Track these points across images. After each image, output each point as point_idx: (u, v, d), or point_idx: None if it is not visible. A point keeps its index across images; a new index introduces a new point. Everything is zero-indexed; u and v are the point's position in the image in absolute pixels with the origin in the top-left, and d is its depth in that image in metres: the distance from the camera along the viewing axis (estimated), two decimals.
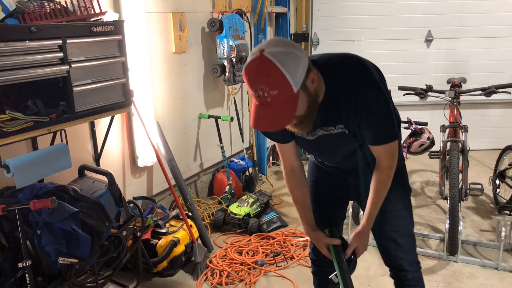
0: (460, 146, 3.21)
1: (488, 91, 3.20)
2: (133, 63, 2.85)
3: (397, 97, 4.55)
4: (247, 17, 4.05)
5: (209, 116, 3.77)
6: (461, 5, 5.10)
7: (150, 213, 2.97)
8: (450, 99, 3.34)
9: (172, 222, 3.04)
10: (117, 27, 2.41)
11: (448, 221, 2.94)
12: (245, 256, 3.08)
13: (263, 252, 3.14)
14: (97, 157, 2.79)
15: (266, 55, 1.29)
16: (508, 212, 3.66)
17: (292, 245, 3.24)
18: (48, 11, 2.17)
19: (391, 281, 2.79)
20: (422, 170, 4.86)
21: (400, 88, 3.49)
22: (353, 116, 1.52)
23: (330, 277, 1.81)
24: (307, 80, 1.37)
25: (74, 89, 2.21)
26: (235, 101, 4.13)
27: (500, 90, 3.19)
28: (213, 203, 3.85)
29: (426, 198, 4.14)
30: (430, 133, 3.32)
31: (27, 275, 1.91)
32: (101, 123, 2.79)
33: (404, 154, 3.28)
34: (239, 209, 3.52)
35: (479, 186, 3.60)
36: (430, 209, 3.89)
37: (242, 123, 4.23)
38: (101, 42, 2.36)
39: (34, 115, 2.04)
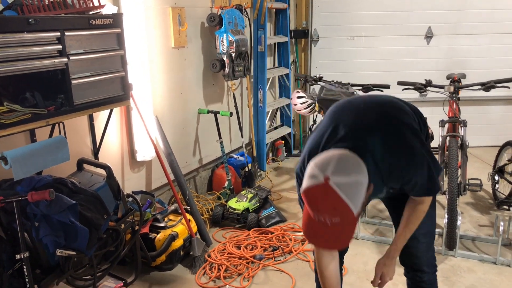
0: (459, 141, 3.21)
1: (487, 86, 3.20)
2: (132, 57, 2.85)
3: (397, 93, 4.59)
4: (246, 12, 4.05)
5: (208, 111, 3.76)
6: (462, 1, 5.09)
7: (148, 207, 2.97)
8: (449, 93, 3.34)
9: (171, 217, 3.04)
10: (116, 20, 2.41)
11: (446, 216, 2.94)
12: (243, 251, 3.08)
13: (261, 247, 3.14)
14: (95, 150, 2.79)
15: (332, 185, 1.28)
16: (506, 207, 3.66)
17: (290, 239, 3.25)
18: (47, 3, 2.17)
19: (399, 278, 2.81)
20: None
21: (399, 83, 3.49)
22: (399, 186, 1.58)
23: None
24: (365, 196, 1.38)
25: (73, 81, 2.21)
26: (234, 97, 4.13)
27: (500, 85, 3.18)
28: (212, 199, 3.85)
29: None
30: (429, 128, 3.31)
31: (24, 267, 1.91)
32: (100, 117, 2.80)
33: None
34: (238, 204, 3.52)
35: (478, 182, 3.59)
36: None
37: (241, 119, 4.23)
38: (100, 35, 2.35)
39: (32, 107, 2.04)
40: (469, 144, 3.41)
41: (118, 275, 2.68)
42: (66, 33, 2.13)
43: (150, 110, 3.14)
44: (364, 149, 1.44)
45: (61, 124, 2.41)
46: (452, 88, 3.30)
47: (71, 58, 2.17)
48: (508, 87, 3.20)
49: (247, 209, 3.52)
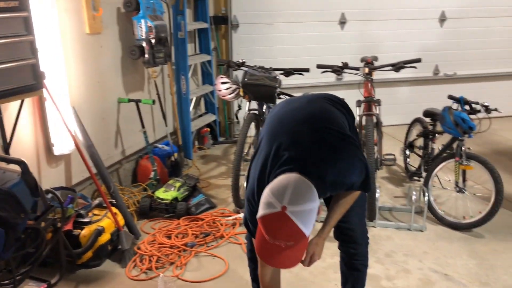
0: (375, 119, 3.43)
1: (397, 67, 3.44)
2: (43, 44, 2.65)
3: (315, 78, 4.80)
4: None
5: (129, 100, 3.63)
6: None
7: (70, 203, 2.81)
8: (364, 75, 3.54)
9: (95, 211, 2.91)
10: (22, 3, 2.24)
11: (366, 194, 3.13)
12: (174, 240, 3.05)
13: (192, 234, 3.13)
14: (5, 146, 2.57)
15: (288, 214, 1.36)
16: (417, 179, 3.99)
17: (221, 224, 3.27)
18: None
19: (327, 251, 2.94)
20: None
21: (318, 66, 3.63)
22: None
23: None
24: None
25: None
26: (156, 85, 4.02)
27: (408, 65, 3.44)
28: (137, 191, 3.74)
29: None
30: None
31: None
32: (10, 109, 2.57)
33: None
34: (166, 194, 3.46)
35: (392, 157, 3.89)
36: None
37: (164, 107, 4.14)
38: (4, 19, 2.16)
39: None
40: (382, 122, 3.66)
41: (40, 277, 2.52)
42: None
43: (66, 100, 2.96)
44: (309, 169, 1.52)
45: None
46: (366, 70, 3.50)
47: None
48: (415, 67, 3.46)
49: (175, 199, 3.47)
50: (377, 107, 3.51)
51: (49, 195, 2.49)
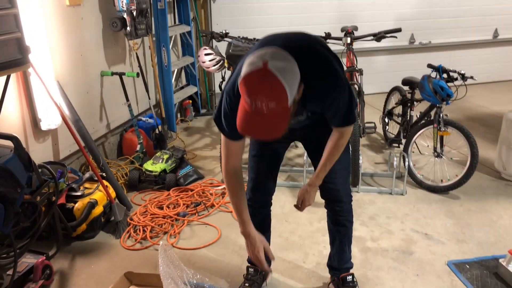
0: (357, 88, 3.52)
1: (378, 36, 3.52)
2: (24, 17, 2.58)
3: None
4: None
5: (113, 73, 3.59)
6: None
7: (61, 177, 2.82)
8: (346, 44, 3.61)
9: (87, 185, 2.94)
10: None
11: (350, 157, 3.26)
12: (166, 210, 3.11)
13: (184, 204, 3.20)
14: None
15: (270, 69, 1.33)
16: (396, 145, 4.15)
17: (211, 194, 3.35)
18: None
19: (304, 215, 3.08)
20: None
21: None
22: (319, 110, 1.69)
23: None
24: (297, 94, 1.44)
25: None
26: (137, 57, 3.97)
27: (389, 35, 3.52)
28: (125, 164, 3.76)
29: None
30: None
31: None
32: None
33: None
34: (154, 166, 3.50)
35: (373, 125, 4.01)
36: None
37: (146, 80, 4.11)
38: None
39: None
40: (364, 92, 3.76)
41: (37, 250, 2.56)
42: None
43: (51, 75, 2.92)
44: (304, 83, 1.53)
45: None
46: (349, 40, 3.57)
47: None
48: (396, 37, 3.55)
49: (164, 170, 3.52)
50: (359, 77, 3.60)
51: (41, 169, 2.50)
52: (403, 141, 3.88)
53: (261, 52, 1.40)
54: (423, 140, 3.65)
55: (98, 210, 2.84)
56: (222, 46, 3.92)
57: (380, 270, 2.50)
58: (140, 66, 3.99)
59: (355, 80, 3.55)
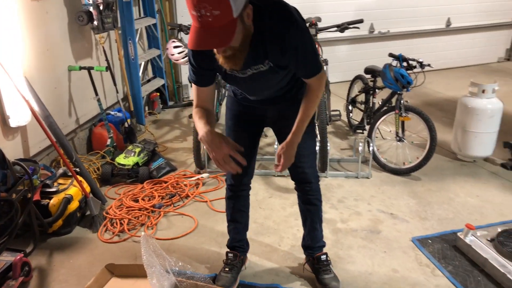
0: None
1: (342, 27, 3.66)
2: None
3: None
4: None
5: (81, 68, 3.56)
6: None
7: (33, 174, 2.80)
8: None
9: (60, 181, 2.94)
10: None
11: (318, 144, 3.41)
12: (141, 202, 3.15)
13: (159, 196, 3.25)
14: None
15: None
16: (360, 131, 4.34)
17: (185, 185, 3.41)
18: None
19: (278, 201, 3.21)
20: None
21: None
22: (281, 56, 1.70)
23: None
24: (244, 12, 1.50)
25: None
26: (104, 50, 3.95)
27: (352, 26, 3.67)
28: (96, 158, 3.75)
29: None
30: None
31: None
32: None
33: None
34: (126, 160, 3.52)
35: (338, 112, 4.19)
36: None
37: (114, 73, 4.09)
38: None
39: None
40: (330, 81, 3.91)
41: (13, 248, 2.55)
42: None
43: (19, 70, 2.87)
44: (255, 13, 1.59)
45: None
46: (314, 31, 3.69)
47: None
48: (358, 28, 3.71)
49: (136, 164, 3.54)
50: (324, 66, 3.74)
51: (15, 167, 2.48)
52: (367, 127, 4.07)
53: None
54: (386, 125, 3.85)
55: (74, 205, 2.85)
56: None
57: (350, 249, 2.66)
58: (107, 60, 3.96)
59: None
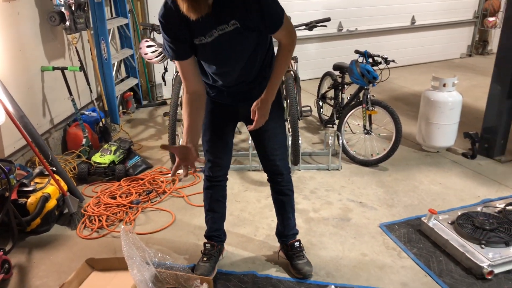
0: (293, 74, 3.80)
1: (310, 26, 3.81)
2: None
3: None
4: None
5: (54, 68, 3.58)
6: None
7: (9, 174, 2.82)
8: None
9: (37, 180, 2.96)
10: None
11: (290, 138, 3.54)
12: (119, 199, 3.21)
13: (136, 193, 3.31)
14: None
15: None
16: (331, 126, 4.51)
17: (162, 182, 3.48)
18: None
19: (253, 194, 3.33)
20: None
21: None
22: (245, 10, 1.78)
23: None
24: None
25: None
26: (77, 51, 3.97)
27: (319, 24, 3.82)
28: (72, 158, 3.77)
29: None
30: None
31: None
32: None
33: None
34: (103, 158, 3.56)
35: (309, 108, 4.33)
36: None
37: (87, 73, 4.11)
38: None
39: None
40: (300, 78, 4.05)
41: None
42: None
43: None
44: None
45: None
46: None
47: None
48: (326, 26, 3.86)
49: (113, 162, 3.59)
50: (295, 64, 3.88)
51: None
52: (337, 121, 4.23)
53: None
54: (354, 119, 4.01)
55: (52, 203, 2.88)
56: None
57: (322, 236, 2.80)
58: (80, 60, 3.99)
59: (291, 67, 3.82)
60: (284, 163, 2.35)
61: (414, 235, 2.79)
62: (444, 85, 3.75)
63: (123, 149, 3.73)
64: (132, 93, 5.16)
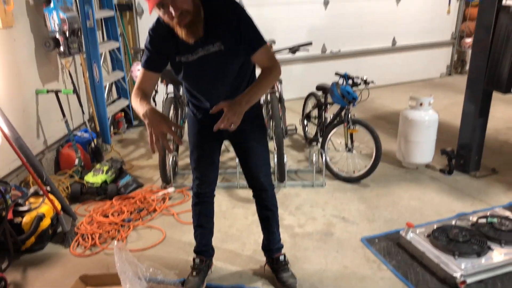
0: (278, 95, 3.98)
1: (293, 49, 4.02)
2: None
3: None
4: None
5: (48, 91, 3.72)
6: None
7: (5, 194, 2.93)
8: None
9: (32, 199, 3.07)
10: None
11: (276, 156, 3.70)
12: (111, 218, 3.32)
13: (128, 211, 3.43)
14: None
15: None
16: (315, 144, 4.69)
17: (153, 200, 3.61)
18: None
19: (240, 211, 3.47)
20: None
21: None
22: (231, 33, 1.97)
23: None
24: None
25: None
26: (70, 74, 4.11)
27: (302, 48, 4.03)
28: (65, 178, 3.88)
29: None
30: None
31: None
32: None
33: None
34: (95, 178, 3.68)
35: (294, 127, 4.51)
36: None
37: (80, 95, 4.25)
38: None
39: None
40: (284, 98, 4.24)
41: None
42: None
43: None
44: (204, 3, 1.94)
45: None
46: None
47: None
48: (308, 50, 4.07)
49: (105, 181, 3.71)
50: (279, 85, 4.07)
51: None
52: (320, 139, 4.41)
53: None
54: (337, 138, 4.20)
55: (46, 222, 2.99)
56: None
57: (307, 250, 2.95)
58: (73, 82, 4.13)
59: (276, 88, 4.01)
60: (268, 180, 2.50)
61: (393, 248, 2.95)
62: (421, 104, 3.96)
63: (115, 168, 3.85)
64: (123, 114, 5.30)
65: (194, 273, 2.56)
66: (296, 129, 4.50)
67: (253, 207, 3.46)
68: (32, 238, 2.91)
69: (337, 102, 3.90)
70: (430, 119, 3.97)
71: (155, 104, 5.17)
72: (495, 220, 2.93)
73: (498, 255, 2.67)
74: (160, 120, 1.88)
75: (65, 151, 4.08)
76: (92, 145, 4.31)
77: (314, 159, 3.89)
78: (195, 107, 2.32)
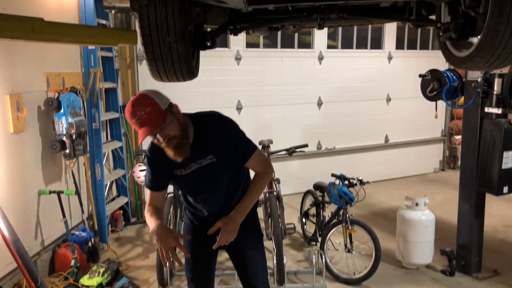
0: (276, 195, 4.06)
1: (290, 151, 4.18)
2: None
3: None
4: (81, 94, 4.28)
5: (51, 192, 3.79)
6: (260, 80, 6.33)
7: None
8: None
9: None
10: None
11: (275, 257, 3.66)
12: None
13: None
14: None
15: (143, 92, 1.96)
16: (314, 243, 4.66)
17: None
18: None
19: None
20: None
21: None
22: (221, 147, 2.10)
23: None
24: (172, 108, 1.98)
25: None
26: (73, 174, 4.22)
27: (298, 150, 4.19)
28: (59, 280, 3.79)
29: None
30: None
31: None
32: None
33: None
34: (91, 280, 3.60)
35: (292, 225, 4.52)
36: None
37: (80, 194, 4.31)
38: None
39: None
40: (282, 198, 4.30)
41: None
42: None
43: None
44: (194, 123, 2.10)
45: None
46: (266, 154, 4.18)
47: None
48: (304, 151, 4.23)
49: (100, 284, 3.62)
50: (277, 185, 4.16)
51: None
52: (319, 238, 4.39)
53: None
54: (336, 237, 4.19)
55: None
56: None
57: None
58: (75, 182, 4.21)
59: (274, 188, 4.10)
60: (266, 286, 2.46)
61: None
62: (416, 204, 4.03)
63: (111, 270, 3.78)
64: (121, 211, 5.31)
65: None
66: (295, 227, 4.51)
67: None
68: None
69: (335, 203, 3.97)
70: (427, 219, 4.01)
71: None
72: None
73: None
74: (168, 235, 2.00)
75: (61, 251, 4.03)
76: (89, 244, 4.27)
77: (313, 260, 3.85)
78: (192, 214, 2.39)
